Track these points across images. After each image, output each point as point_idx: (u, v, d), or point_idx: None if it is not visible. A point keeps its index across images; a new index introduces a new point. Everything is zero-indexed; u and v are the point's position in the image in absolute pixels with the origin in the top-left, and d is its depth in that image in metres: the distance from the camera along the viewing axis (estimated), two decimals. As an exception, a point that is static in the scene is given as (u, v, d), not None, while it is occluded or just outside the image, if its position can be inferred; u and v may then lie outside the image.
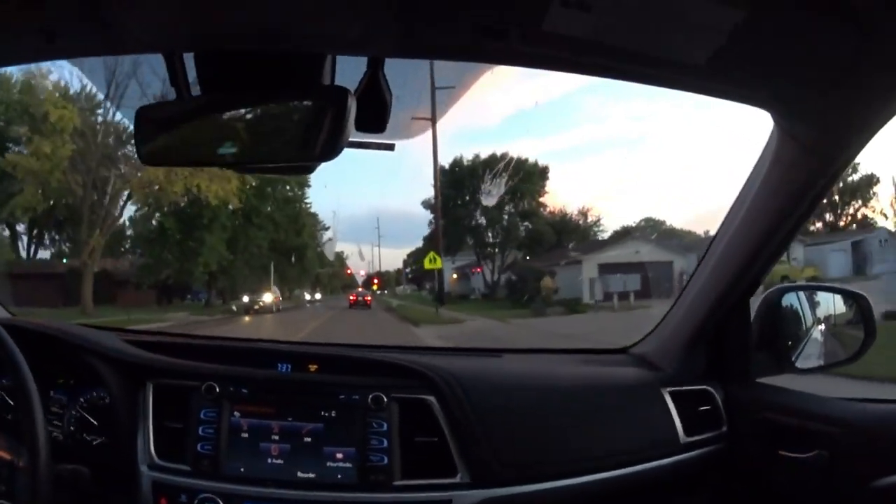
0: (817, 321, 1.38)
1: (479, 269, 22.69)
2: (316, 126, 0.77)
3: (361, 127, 0.83)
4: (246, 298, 17.63)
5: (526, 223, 23.21)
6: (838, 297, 1.37)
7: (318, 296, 25.22)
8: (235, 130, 0.84)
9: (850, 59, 0.73)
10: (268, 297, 17.62)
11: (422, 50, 0.77)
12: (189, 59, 0.85)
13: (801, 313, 1.36)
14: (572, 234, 24.10)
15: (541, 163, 22.78)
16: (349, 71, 0.83)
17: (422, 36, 0.72)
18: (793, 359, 1.31)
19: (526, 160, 22.50)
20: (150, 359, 1.23)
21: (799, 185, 1.05)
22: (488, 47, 0.73)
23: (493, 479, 1.09)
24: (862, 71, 0.75)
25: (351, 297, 22.44)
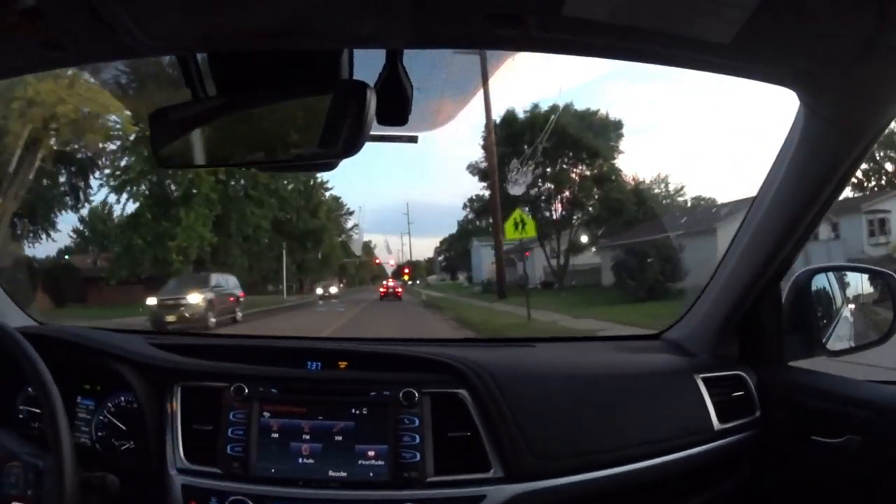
0: (847, 302, 1.36)
1: (528, 253, 18.57)
2: (336, 122, 0.76)
3: (383, 120, 0.83)
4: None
5: (599, 190, 18.56)
6: (868, 277, 1.35)
7: (333, 289, 21.90)
8: (254, 130, 0.84)
9: (873, 32, 0.71)
10: (194, 298, 11.15)
11: (438, 40, 0.76)
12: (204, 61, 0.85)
13: (831, 294, 1.34)
14: (652, 203, 19.06)
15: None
16: (369, 65, 0.81)
17: (437, 26, 0.71)
18: (824, 341, 1.29)
19: (597, 111, 18.91)
20: (177, 361, 1.22)
21: (827, 163, 1.04)
22: (506, 35, 0.71)
23: (527, 472, 1.08)
24: (885, 44, 0.73)
25: (381, 289, 20.61)
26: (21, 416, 1.24)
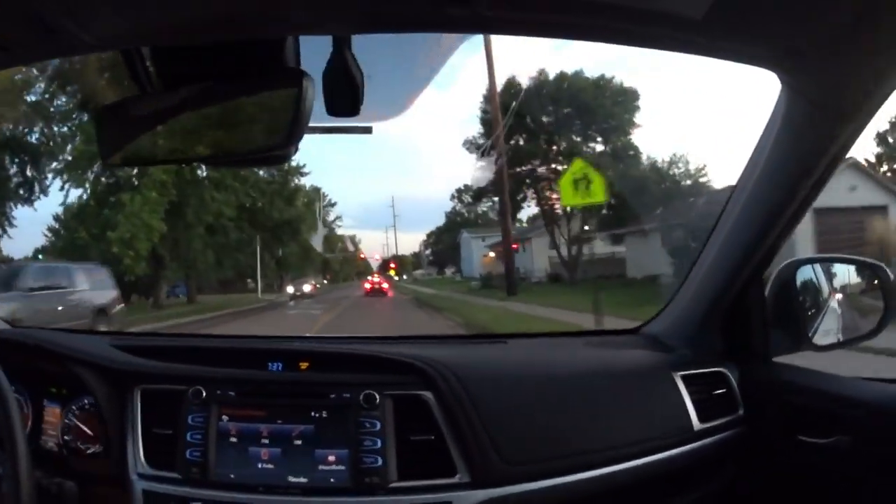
0: (834, 294, 1.32)
1: (516, 246, 16.66)
2: (278, 112, 0.73)
3: (333, 111, 0.80)
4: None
5: (617, 167, 15.81)
6: (855, 269, 1.31)
7: (307, 287, 19.48)
8: (200, 124, 0.82)
9: (859, 6, 0.67)
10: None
11: (383, 24, 0.72)
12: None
13: (817, 287, 1.30)
14: (673, 184, 16.55)
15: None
16: (317, 54, 0.78)
17: (380, 9, 0.67)
18: (810, 335, 1.25)
19: (612, 78, 16.79)
20: (136, 364, 1.20)
21: (813, 148, 1.00)
22: (456, 15, 0.67)
23: (496, 477, 1.04)
24: (869, 21, 0.69)
25: (367, 285, 19.59)
26: None
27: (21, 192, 14.60)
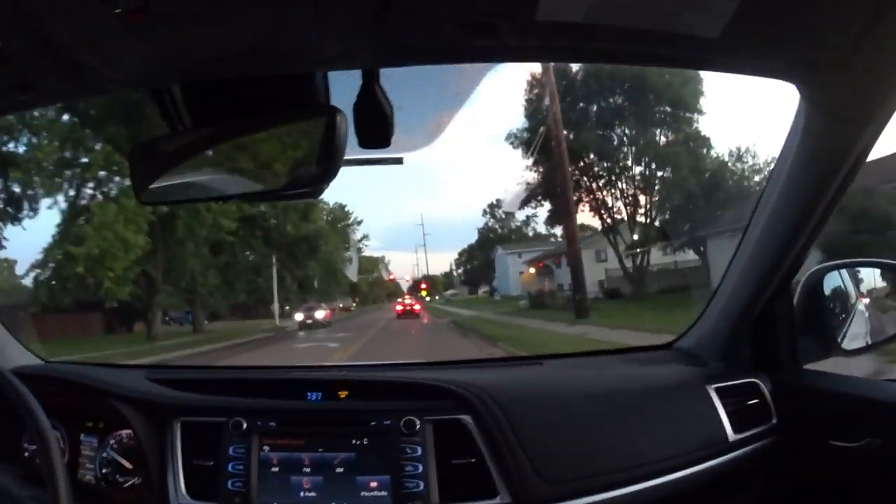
0: (861, 298, 1.31)
1: (558, 261, 14.43)
2: (311, 148, 0.75)
3: (365, 143, 0.80)
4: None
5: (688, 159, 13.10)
6: (881, 272, 1.31)
7: (319, 314, 16.12)
8: (233, 161, 0.83)
9: (873, 15, 0.68)
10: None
11: (410, 56, 0.74)
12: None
13: (845, 292, 1.30)
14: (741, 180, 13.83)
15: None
16: (347, 88, 0.79)
17: (405, 42, 0.69)
18: (839, 340, 1.25)
19: None
20: (175, 397, 1.21)
21: (833, 156, 1.00)
22: (480, 45, 0.68)
23: (536, 497, 1.04)
24: (883, 29, 0.70)
25: (398, 308, 18.43)
26: (26, 454, 1.24)
27: (8, 209, 12.72)
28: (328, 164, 0.73)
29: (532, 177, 15.68)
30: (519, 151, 15.49)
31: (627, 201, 14.64)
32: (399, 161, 0.92)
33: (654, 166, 14.10)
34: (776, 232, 1.16)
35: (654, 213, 14.15)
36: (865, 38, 0.71)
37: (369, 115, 0.78)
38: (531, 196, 16.57)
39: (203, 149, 0.84)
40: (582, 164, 14.35)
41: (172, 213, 11.95)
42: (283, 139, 0.80)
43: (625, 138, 14.38)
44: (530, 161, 14.79)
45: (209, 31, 0.66)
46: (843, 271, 1.30)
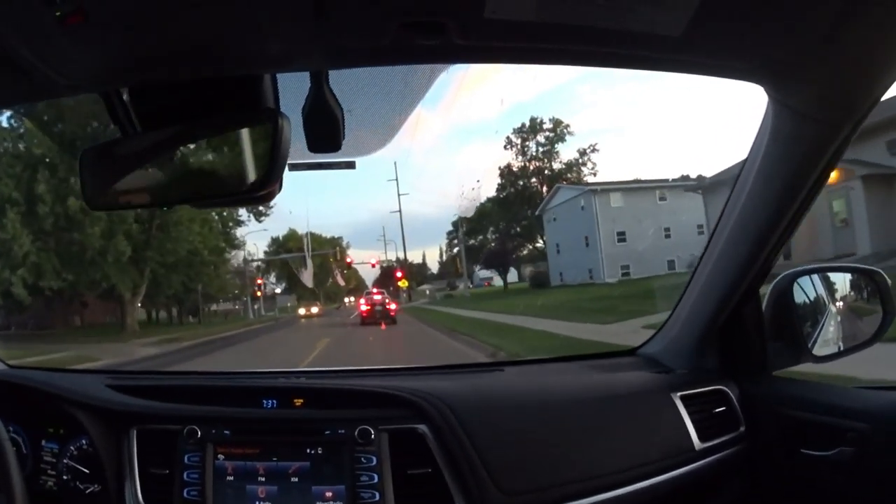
0: (832, 304, 1.30)
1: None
2: (256, 152, 0.72)
3: (315, 147, 0.79)
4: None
5: None
6: (852, 276, 1.29)
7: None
8: (180, 165, 0.81)
9: (841, 12, 0.66)
10: None
11: (355, 58, 0.71)
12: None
13: (815, 298, 1.28)
14: None
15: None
16: (297, 91, 0.78)
17: (348, 43, 0.67)
18: (810, 347, 1.23)
19: None
20: (131, 404, 1.20)
21: (804, 159, 0.98)
22: (427, 45, 0.66)
23: None
24: (855, 23, 0.68)
25: (363, 309, 14.57)
26: None
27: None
28: (272, 168, 0.71)
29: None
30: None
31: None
32: (352, 165, 0.91)
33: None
34: (745, 235, 1.14)
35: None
36: (832, 36, 0.69)
37: (318, 119, 0.77)
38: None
39: (153, 153, 0.82)
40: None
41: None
42: (229, 143, 0.77)
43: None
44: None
45: (149, 34, 0.64)
46: (814, 276, 1.28)
